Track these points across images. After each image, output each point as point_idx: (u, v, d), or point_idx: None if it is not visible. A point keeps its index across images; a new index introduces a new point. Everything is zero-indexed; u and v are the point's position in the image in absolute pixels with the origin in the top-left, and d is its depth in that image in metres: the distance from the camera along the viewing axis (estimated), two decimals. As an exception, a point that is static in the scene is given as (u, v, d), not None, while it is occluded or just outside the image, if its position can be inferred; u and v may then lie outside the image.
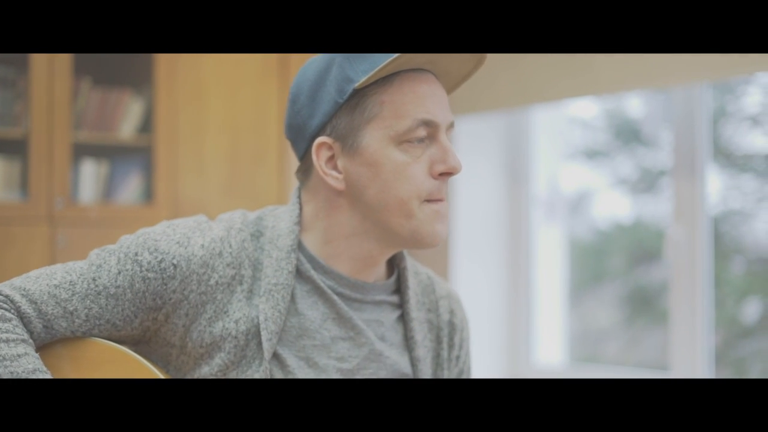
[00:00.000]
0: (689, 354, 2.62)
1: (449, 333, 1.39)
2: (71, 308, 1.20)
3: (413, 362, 1.33)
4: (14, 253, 2.70)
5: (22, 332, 1.16)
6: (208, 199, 2.98)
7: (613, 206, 3.25)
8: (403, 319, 1.34)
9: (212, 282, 1.22)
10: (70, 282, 1.21)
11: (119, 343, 1.23)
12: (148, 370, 1.22)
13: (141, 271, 1.21)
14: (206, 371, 1.22)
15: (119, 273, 1.21)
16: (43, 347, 1.21)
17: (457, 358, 1.40)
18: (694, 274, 2.61)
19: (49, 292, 1.20)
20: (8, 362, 1.13)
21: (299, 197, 1.31)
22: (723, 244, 2.76)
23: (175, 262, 1.21)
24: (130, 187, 2.98)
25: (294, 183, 2.75)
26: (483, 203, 3.24)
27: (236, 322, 1.22)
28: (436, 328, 1.38)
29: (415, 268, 1.39)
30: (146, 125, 2.99)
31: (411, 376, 1.32)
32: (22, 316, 1.18)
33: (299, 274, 1.27)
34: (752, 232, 2.84)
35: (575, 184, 3.26)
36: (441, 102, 1.26)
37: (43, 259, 2.72)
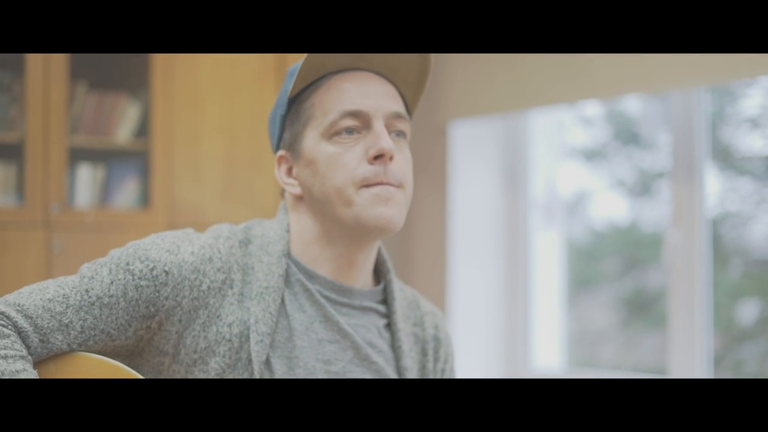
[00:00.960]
0: (688, 357, 2.62)
1: (434, 347, 1.41)
2: (66, 321, 1.19)
3: (400, 371, 1.34)
4: (10, 259, 2.69)
5: (20, 348, 1.16)
6: (204, 203, 2.97)
7: (611, 208, 3.25)
8: (390, 328, 1.36)
9: (204, 287, 1.23)
10: (64, 295, 1.21)
11: (113, 356, 1.23)
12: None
13: (133, 280, 1.22)
14: (201, 377, 1.22)
15: (112, 283, 1.22)
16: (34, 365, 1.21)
17: (443, 371, 1.42)
18: (692, 277, 2.61)
19: (43, 306, 1.19)
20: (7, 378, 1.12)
21: (285, 209, 1.36)
22: (721, 246, 2.75)
23: (166, 269, 1.22)
24: (127, 192, 2.97)
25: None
26: (481, 206, 3.23)
27: (230, 325, 1.23)
28: (421, 341, 1.40)
29: (400, 285, 1.42)
30: (143, 129, 2.98)
31: None
32: (19, 331, 1.17)
33: (287, 278, 1.30)
34: (750, 234, 2.83)
35: (573, 185, 3.25)
36: (372, 93, 1.29)
37: (39, 265, 2.71)
